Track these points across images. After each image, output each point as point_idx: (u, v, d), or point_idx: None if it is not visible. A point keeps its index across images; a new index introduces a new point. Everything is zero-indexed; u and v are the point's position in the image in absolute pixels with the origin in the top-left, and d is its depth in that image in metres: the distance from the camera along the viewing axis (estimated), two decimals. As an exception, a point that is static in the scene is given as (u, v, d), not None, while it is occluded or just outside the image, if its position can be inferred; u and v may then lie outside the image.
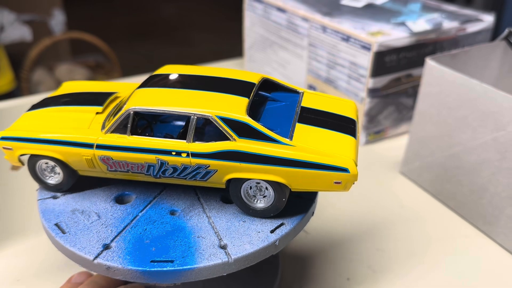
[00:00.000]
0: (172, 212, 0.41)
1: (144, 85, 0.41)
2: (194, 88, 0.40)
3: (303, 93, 0.44)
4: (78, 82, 0.49)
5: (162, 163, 0.39)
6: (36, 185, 0.43)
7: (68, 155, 0.40)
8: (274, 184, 0.39)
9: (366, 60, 0.66)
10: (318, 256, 0.52)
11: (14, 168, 0.62)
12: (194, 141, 0.38)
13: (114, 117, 0.40)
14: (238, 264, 0.36)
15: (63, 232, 0.38)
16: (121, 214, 0.40)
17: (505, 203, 0.52)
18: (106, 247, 0.37)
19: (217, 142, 0.38)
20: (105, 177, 0.42)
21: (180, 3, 3.35)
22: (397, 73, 0.69)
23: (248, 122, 0.37)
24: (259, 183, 0.39)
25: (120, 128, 0.39)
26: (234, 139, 0.37)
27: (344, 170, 0.37)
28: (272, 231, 0.39)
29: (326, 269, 0.51)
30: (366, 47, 0.66)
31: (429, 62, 0.57)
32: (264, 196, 0.40)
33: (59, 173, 0.42)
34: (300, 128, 0.39)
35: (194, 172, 0.39)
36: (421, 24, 0.69)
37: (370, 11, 0.76)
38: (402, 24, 0.70)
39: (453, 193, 0.59)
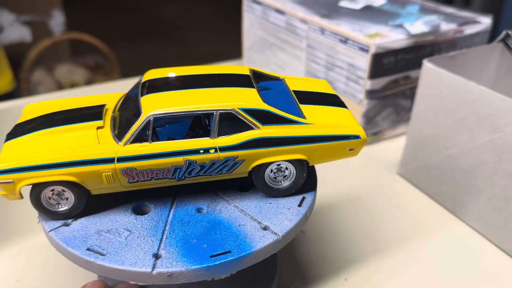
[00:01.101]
0: (199, 210, 0.41)
1: (143, 92, 0.40)
2: (199, 86, 0.41)
3: (283, 79, 0.47)
4: (42, 103, 0.45)
5: (190, 163, 0.39)
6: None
7: (85, 175, 0.38)
8: (296, 162, 0.42)
9: (364, 62, 0.67)
10: (315, 256, 0.53)
11: None
12: (218, 136, 0.39)
13: (128, 127, 0.38)
14: (286, 239, 0.39)
15: (102, 254, 0.36)
16: (151, 224, 0.39)
17: (502, 204, 0.52)
18: (157, 256, 0.36)
19: (242, 133, 0.40)
20: (120, 191, 0.40)
21: (179, 4, 3.35)
22: (395, 74, 0.69)
23: (269, 109, 0.40)
24: (279, 164, 0.42)
25: (140, 137, 0.38)
26: (258, 127, 0.40)
27: (357, 137, 0.42)
28: (299, 205, 0.42)
29: (324, 270, 0.51)
30: (364, 49, 0.66)
31: (427, 64, 0.58)
32: (285, 176, 0.42)
33: (67, 198, 0.39)
34: (305, 108, 0.43)
35: (222, 166, 0.40)
36: (419, 26, 0.69)
37: (368, 13, 0.77)
38: (400, 26, 0.70)
39: (450, 194, 0.59)
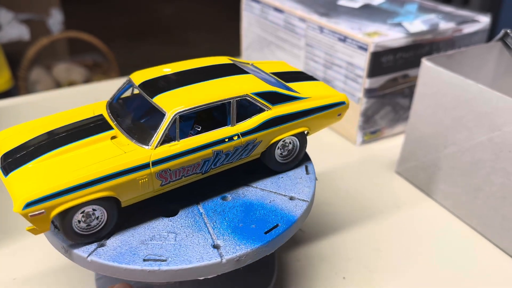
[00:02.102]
0: (224, 198, 0.42)
1: (151, 92, 0.40)
2: (201, 80, 0.41)
3: (252, 64, 0.49)
4: (16, 128, 0.40)
5: (217, 154, 0.40)
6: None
7: (122, 186, 0.36)
8: (299, 135, 0.45)
9: (362, 61, 0.67)
10: (314, 255, 0.53)
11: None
12: (237, 123, 0.41)
13: (148, 130, 0.38)
14: (312, 203, 0.43)
15: (163, 260, 0.35)
16: (189, 221, 0.39)
17: (500, 203, 0.52)
18: (217, 246, 0.37)
19: (257, 116, 0.42)
20: (149, 197, 0.39)
21: (178, 3, 3.35)
22: (393, 73, 0.69)
23: (276, 90, 0.43)
24: (284, 140, 0.44)
25: (168, 137, 0.38)
26: (270, 108, 0.42)
27: (343, 103, 0.47)
28: (307, 173, 0.46)
29: (322, 268, 0.51)
30: (362, 47, 0.66)
31: (425, 63, 0.58)
32: (289, 150, 0.45)
33: (98, 217, 0.36)
34: (293, 85, 0.46)
35: (243, 151, 0.42)
36: (417, 24, 0.69)
37: (367, 12, 0.77)
38: (399, 24, 0.70)
39: (448, 193, 0.59)
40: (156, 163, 0.37)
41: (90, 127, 0.39)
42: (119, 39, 2.67)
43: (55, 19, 1.99)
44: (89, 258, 0.35)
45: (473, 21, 0.74)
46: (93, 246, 0.36)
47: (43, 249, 0.51)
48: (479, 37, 0.75)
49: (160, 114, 0.38)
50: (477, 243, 0.55)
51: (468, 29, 0.73)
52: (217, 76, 0.42)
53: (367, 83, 0.68)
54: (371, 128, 0.73)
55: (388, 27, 0.69)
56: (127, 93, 0.44)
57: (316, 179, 0.45)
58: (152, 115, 0.40)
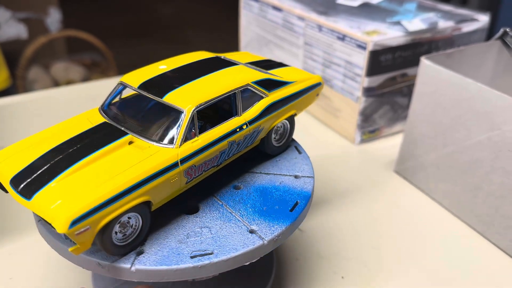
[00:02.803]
0: (237, 187, 0.43)
1: (158, 92, 0.39)
2: (200, 75, 0.42)
3: (224, 56, 0.50)
4: (11, 148, 0.38)
5: (231, 144, 0.41)
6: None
7: (157, 189, 0.36)
8: (289, 118, 0.47)
9: (361, 59, 0.66)
10: (312, 254, 0.52)
11: None
12: (243, 112, 0.42)
13: (172, 128, 0.38)
14: (314, 178, 0.46)
15: (211, 253, 0.35)
16: (215, 214, 0.40)
17: (499, 202, 0.52)
18: (253, 231, 0.38)
19: (257, 103, 0.43)
20: (174, 196, 0.39)
21: (177, 2, 3.35)
22: (392, 72, 0.69)
23: (269, 77, 0.45)
24: (277, 126, 0.47)
25: (189, 134, 0.38)
26: (267, 95, 0.44)
27: (319, 83, 0.50)
28: (299, 153, 0.49)
29: (321, 267, 0.51)
30: (361, 46, 0.66)
31: (424, 61, 0.57)
32: (280, 133, 0.48)
33: (132, 225, 0.35)
34: (274, 72, 0.48)
35: (250, 139, 0.43)
36: (416, 23, 0.69)
37: (366, 10, 0.76)
38: (398, 23, 0.70)
39: (447, 192, 0.59)
40: (183, 160, 0.37)
41: (102, 136, 0.37)
42: (118, 38, 2.67)
43: (53, 17, 1.99)
44: (133, 268, 0.34)
45: (472, 19, 0.74)
46: (131, 255, 0.35)
47: (39, 249, 0.51)
48: (478, 36, 0.75)
49: (175, 112, 0.38)
50: (476, 242, 0.55)
51: (467, 27, 0.73)
52: (212, 70, 0.43)
53: (365, 82, 0.67)
54: (369, 127, 0.73)
55: (387, 25, 0.69)
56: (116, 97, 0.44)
57: (309, 157, 0.48)
58: (161, 114, 0.40)
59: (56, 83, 1.80)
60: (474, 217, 0.56)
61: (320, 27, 0.72)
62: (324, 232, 0.56)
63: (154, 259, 0.34)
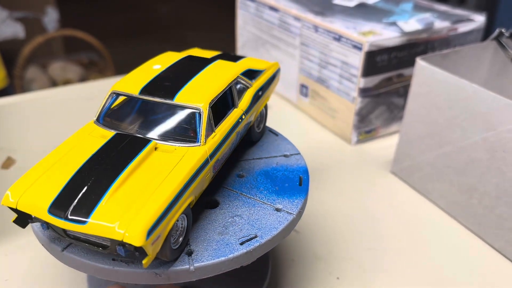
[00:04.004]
0: (240, 176, 0.44)
1: (165, 95, 0.39)
2: (194, 73, 0.42)
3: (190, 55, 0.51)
4: (25, 178, 0.35)
5: (238, 134, 0.43)
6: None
7: (198, 187, 0.37)
8: (265, 105, 0.51)
9: (357, 60, 0.66)
10: (308, 255, 0.53)
11: (4, 166, 0.62)
12: (238, 103, 0.44)
13: (190, 127, 0.38)
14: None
15: (255, 236, 0.37)
16: (237, 203, 0.41)
17: (495, 202, 0.52)
18: (278, 209, 0.40)
19: (246, 94, 0.45)
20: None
21: (175, 1, 3.34)
22: (388, 72, 0.69)
23: (250, 67, 0.47)
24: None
25: (209, 130, 0.38)
26: (251, 85, 0.46)
27: (279, 69, 0.53)
28: (276, 135, 0.51)
29: (316, 268, 0.51)
30: (357, 46, 0.66)
31: (420, 62, 0.58)
32: (258, 120, 0.50)
33: (178, 227, 0.35)
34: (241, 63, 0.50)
35: (245, 128, 0.45)
36: (412, 24, 0.69)
37: (362, 11, 0.76)
38: (394, 23, 0.70)
39: (443, 192, 0.59)
40: (211, 156, 0.38)
41: (126, 148, 0.36)
42: (115, 37, 2.67)
43: (51, 17, 1.99)
44: (192, 268, 0.34)
45: (468, 20, 0.74)
46: (183, 257, 0.35)
47: (35, 250, 0.51)
48: (474, 36, 0.75)
49: (190, 111, 0.38)
50: (472, 243, 0.55)
51: (463, 28, 0.73)
52: (199, 67, 0.44)
53: (361, 82, 0.67)
54: (366, 128, 0.73)
55: (383, 26, 0.69)
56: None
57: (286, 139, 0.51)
58: (174, 115, 0.39)
59: (53, 83, 1.79)
60: (470, 218, 0.56)
61: (316, 28, 0.72)
62: (320, 232, 0.56)
63: (208, 255, 0.35)
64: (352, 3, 0.80)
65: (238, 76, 0.44)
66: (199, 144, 0.37)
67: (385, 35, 0.66)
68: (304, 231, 0.56)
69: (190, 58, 0.46)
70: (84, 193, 0.32)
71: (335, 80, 0.72)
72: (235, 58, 0.50)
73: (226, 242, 0.36)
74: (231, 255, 0.35)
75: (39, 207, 0.32)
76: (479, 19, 0.74)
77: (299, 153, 0.48)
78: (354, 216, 0.59)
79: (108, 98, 0.41)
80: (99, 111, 0.41)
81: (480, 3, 1.68)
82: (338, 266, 0.51)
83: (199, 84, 0.41)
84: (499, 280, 0.50)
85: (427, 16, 0.73)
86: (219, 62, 0.45)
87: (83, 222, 0.31)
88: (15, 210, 0.34)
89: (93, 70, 1.90)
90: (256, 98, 0.46)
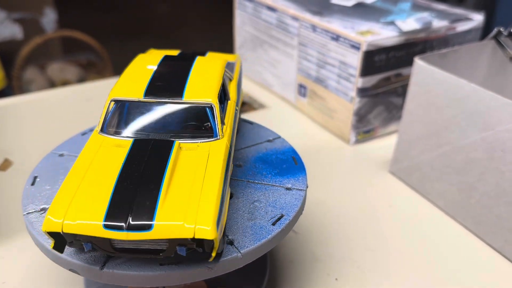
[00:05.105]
0: (239, 166, 0.45)
1: (172, 96, 0.39)
2: (187, 70, 0.43)
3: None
4: (63, 195, 0.32)
5: (235, 125, 0.44)
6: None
7: (228, 177, 0.38)
8: None
9: (355, 60, 0.66)
10: (306, 256, 0.52)
11: (2, 168, 0.62)
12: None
13: (213, 120, 0.39)
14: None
15: (282, 215, 0.39)
16: (249, 190, 0.42)
17: (494, 202, 0.52)
18: (289, 188, 0.42)
19: (230, 86, 0.46)
20: None
21: (173, 1, 3.34)
22: (386, 72, 0.69)
23: (228, 60, 0.48)
24: None
25: (222, 123, 0.40)
26: (232, 77, 0.47)
27: (241, 61, 0.54)
28: (251, 123, 0.52)
29: (314, 269, 0.51)
30: (355, 46, 0.65)
31: (418, 62, 0.57)
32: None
33: None
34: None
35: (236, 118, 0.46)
36: (410, 23, 0.69)
37: (360, 10, 0.76)
38: (392, 23, 0.70)
39: (442, 192, 0.59)
40: (230, 147, 0.39)
41: (154, 152, 0.36)
42: (114, 37, 2.66)
43: (49, 18, 1.98)
44: (239, 255, 0.35)
45: (467, 19, 0.74)
46: (227, 246, 0.35)
47: (32, 253, 0.51)
48: (472, 35, 0.75)
49: (201, 107, 0.39)
50: (471, 243, 0.55)
51: (461, 27, 0.73)
52: (189, 64, 0.44)
53: (360, 82, 0.67)
54: (364, 128, 0.73)
55: (381, 25, 0.69)
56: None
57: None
58: (184, 113, 0.39)
59: (52, 84, 1.79)
60: (469, 217, 0.56)
61: (314, 28, 0.72)
62: (318, 233, 0.56)
63: (249, 240, 0.36)
64: (350, 2, 0.80)
65: (227, 71, 0.45)
66: (218, 137, 0.38)
67: (383, 34, 0.66)
68: (303, 232, 0.56)
69: (170, 58, 0.46)
70: (137, 201, 0.31)
71: (333, 80, 0.72)
72: (202, 54, 0.50)
73: (259, 226, 0.37)
74: (269, 236, 0.36)
75: (91, 225, 0.30)
76: (478, 18, 0.74)
77: (279, 136, 0.49)
78: (353, 217, 0.58)
79: (108, 107, 0.40)
80: (101, 121, 0.39)
81: (479, 1, 1.68)
82: (337, 267, 0.51)
83: (198, 80, 0.41)
84: (498, 280, 0.50)
85: (425, 15, 0.73)
86: (200, 58, 0.46)
87: (148, 228, 0.30)
88: (54, 235, 0.31)
89: (91, 70, 1.89)
90: (239, 88, 0.48)
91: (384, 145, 0.73)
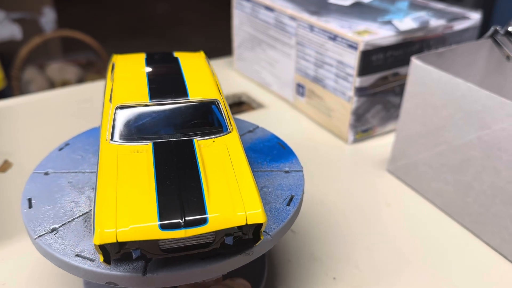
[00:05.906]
0: None
1: (175, 96, 0.41)
2: (178, 71, 0.44)
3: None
4: (108, 205, 0.32)
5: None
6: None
7: None
8: None
9: (353, 59, 0.66)
10: (304, 255, 0.53)
11: (1, 169, 0.62)
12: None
13: (222, 116, 0.41)
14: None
15: (293, 196, 0.41)
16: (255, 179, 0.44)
17: (490, 201, 0.52)
18: (287, 171, 0.44)
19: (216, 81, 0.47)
20: None
21: (172, 1, 3.34)
22: (384, 71, 0.69)
23: (204, 56, 0.50)
24: None
25: (228, 117, 0.41)
26: (213, 73, 0.47)
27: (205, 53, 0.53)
28: (234, 115, 0.54)
29: (312, 269, 0.51)
30: (352, 46, 0.66)
31: (415, 61, 0.58)
32: None
33: None
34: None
35: None
36: (407, 22, 0.69)
37: (357, 10, 0.76)
38: (389, 22, 0.70)
39: (439, 191, 0.59)
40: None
41: (179, 152, 0.36)
42: (113, 37, 2.66)
43: (48, 17, 1.98)
44: (269, 237, 0.36)
45: (464, 18, 0.74)
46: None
47: (32, 254, 0.51)
48: (470, 34, 0.75)
49: (208, 105, 0.40)
50: (468, 241, 0.55)
51: (458, 26, 0.73)
52: (176, 64, 0.45)
53: (357, 81, 0.67)
54: (362, 127, 0.73)
55: (378, 25, 0.69)
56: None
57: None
58: (191, 112, 0.40)
59: (51, 84, 1.79)
60: (466, 216, 0.56)
61: (312, 27, 0.72)
62: (316, 232, 0.56)
63: (272, 223, 0.38)
64: (347, 2, 0.80)
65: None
66: (229, 131, 0.40)
67: (381, 34, 0.66)
68: (301, 232, 0.56)
69: (153, 60, 0.47)
70: (184, 199, 0.32)
71: (331, 79, 0.72)
72: (170, 54, 0.51)
73: (276, 208, 0.39)
74: (288, 215, 0.38)
75: (146, 228, 0.30)
76: (475, 17, 0.74)
77: (258, 126, 0.51)
78: (351, 215, 0.59)
79: (114, 115, 0.39)
80: (109, 130, 0.39)
81: (478, 0, 1.68)
82: (335, 266, 0.51)
83: (195, 79, 0.42)
84: (496, 278, 0.50)
85: (422, 14, 0.73)
86: (182, 58, 0.47)
87: (204, 222, 0.31)
88: (104, 247, 0.30)
89: (91, 70, 1.89)
90: (218, 84, 0.48)
91: (382, 144, 0.73)
